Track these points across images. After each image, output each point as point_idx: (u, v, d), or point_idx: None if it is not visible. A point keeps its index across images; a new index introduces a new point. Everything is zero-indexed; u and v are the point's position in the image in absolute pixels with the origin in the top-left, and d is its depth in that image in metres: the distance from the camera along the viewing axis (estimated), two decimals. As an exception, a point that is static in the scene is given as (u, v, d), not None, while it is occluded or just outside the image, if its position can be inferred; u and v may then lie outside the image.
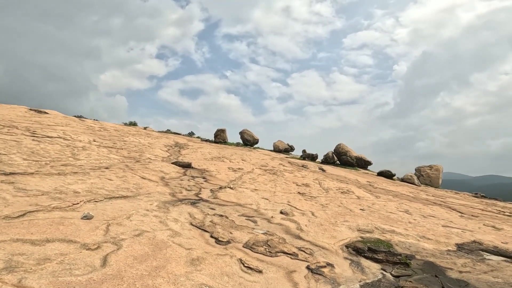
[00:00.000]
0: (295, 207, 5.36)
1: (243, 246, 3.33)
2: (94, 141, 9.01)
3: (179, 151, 11.02)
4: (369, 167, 17.98)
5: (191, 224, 3.65)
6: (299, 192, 6.60)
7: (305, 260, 3.27)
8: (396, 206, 6.74)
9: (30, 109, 11.24)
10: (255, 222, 4.31)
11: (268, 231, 3.99)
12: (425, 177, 14.15)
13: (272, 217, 4.66)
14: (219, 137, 19.22)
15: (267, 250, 3.39)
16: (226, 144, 18.98)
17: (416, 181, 12.55)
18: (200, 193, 5.40)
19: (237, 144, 19.97)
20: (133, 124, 23.07)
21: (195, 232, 3.44)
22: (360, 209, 5.91)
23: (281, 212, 4.96)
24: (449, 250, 4.38)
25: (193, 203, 4.65)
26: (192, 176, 6.75)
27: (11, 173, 3.84)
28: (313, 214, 5.12)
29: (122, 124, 21.25)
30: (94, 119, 17.54)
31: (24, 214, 2.55)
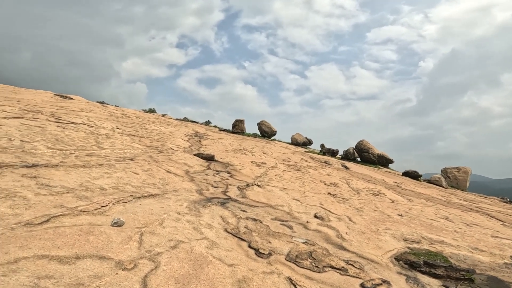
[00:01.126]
0: (329, 211, 4.90)
1: (286, 259, 2.93)
2: (117, 128, 8.77)
3: (199, 141, 10.70)
4: (390, 166, 17.25)
5: (226, 231, 3.27)
6: (329, 193, 6.13)
7: (357, 276, 2.85)
8: (433, 212, 6.17)
9: (56, 94, 11.11)
10: (291, 228, 3.90)
11: (308, 240, 3.57)
12: (452, 179, 13.35)
13: (307, 222, 4.23)
14: (237, 128, 18.83)
15: (313, 264, 2.98)
16: (244, 134, 18.59)
17: (444, 183, 11.81)
18: (227, 191, 5.02)
19: (255, 135, 19.55)
20: (152, 111, 22.98)
21: (232, 241, 3.05)
22: (398, 215, 5.40)
23: (315, 216, 4.53)
24: (506, 263, 3.90)
25: (223, 204, 4.28)
26: (216, 171, 6.38)
27: (34, 165, 3.54)
28: (350, 219, 4.66)
29: (141, 110, 21.17)
30: (115, 105, 17.47)
31: (48, 220, 2.21)
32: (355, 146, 16.21)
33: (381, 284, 2.76)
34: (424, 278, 3.15)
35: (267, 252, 2.97)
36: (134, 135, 8.57)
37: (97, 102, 16.28)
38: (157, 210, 3.16)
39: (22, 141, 4.63)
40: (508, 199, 12.22)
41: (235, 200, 4.58)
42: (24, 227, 2.02)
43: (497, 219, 6.77)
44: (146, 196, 3.61)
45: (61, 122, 6.75)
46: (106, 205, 2.82)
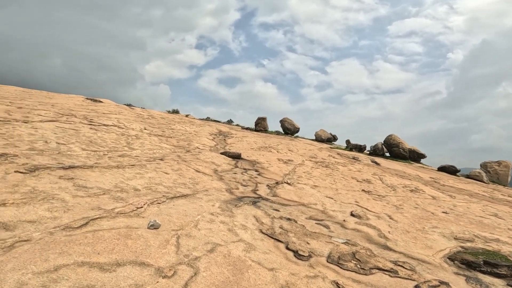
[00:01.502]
0: (366, 209, 4.61)
1: (328, 261, 2.73)
2: (145, 129, 8.92)
3: (224, 139, 10.66)
4: (422, 161, 16.34)
5: (261, 231, 3.12)
6: (363, 190, 5.81)
7: (409, 278, 2.60)
8: (480, 208, 5.66)
9: (87, 98, 11.53)
10: (327, 227, 3.68)
11: (349, 240, 3.34)
12: (492, 173, 12.37)
13: (344, 220, 3.99)
14: (260, 125, 18.68)
15: (358, 266, 2.76)
16: (267, 132, 18.41)
17: (484, 178, 10.94)
18: (257, 190, 4.87)
19: (278, 133, 19.31)
20: (176, 111, 23.43)
21: (268, 242, 2.89)
22: (443, 212, 4.98)
23: (352, 215, 4.27)
24: None
25: (254, 203, 4.13)
26: (244, 169, 6.26)
27: (70, 167, 3.58)
28: (390, 217, 4.35)
29: (166, 111, 21.63)
30: (141, 107, 17.96)
31: (87, 223, 2.17)
32: (384, 141, 15.49)
33: (438, 286, 2.49)
34: (486, 278, 2.84)
35: (307, 254, 2.79)
36: (161, 136, 8.67)
37: (124, 104, 16.81)
38: (190, 211, 3.07)
39: (58, 143, 4.75)
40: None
41: (266, 199, 4.43)
42: (63, 231, 1.99)
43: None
44: (179, 196, 3.54)
45: (93, 125, 6.93)
46: (142, 207, 2.76)
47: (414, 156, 15.47)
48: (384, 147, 15.28)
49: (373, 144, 15.70)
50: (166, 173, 4.54)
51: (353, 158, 10.63)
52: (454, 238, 3.83)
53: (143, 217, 2.56)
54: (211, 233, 2.67)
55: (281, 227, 3.36)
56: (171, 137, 8.71)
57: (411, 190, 6.43)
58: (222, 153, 7.42)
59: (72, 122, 6.55)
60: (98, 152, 4.82)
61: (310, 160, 8.68)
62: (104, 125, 7.59)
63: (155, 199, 3.15)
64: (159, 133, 9.08)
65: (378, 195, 5.56)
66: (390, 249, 3.26)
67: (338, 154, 11.06)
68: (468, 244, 3.68)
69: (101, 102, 12.40)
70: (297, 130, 19.88)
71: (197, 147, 7.94)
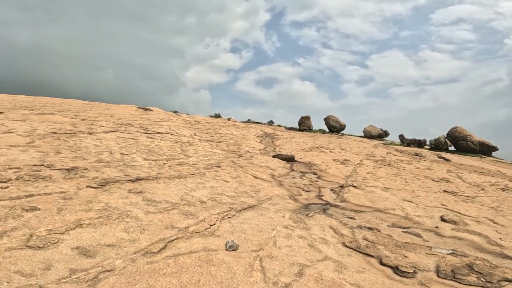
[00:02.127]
0: (458, 212, 3.92)
1: (440, 276, 2.27)
2: (195, 135, 9.00)
3: (272, 141, 10.37)
4: (493, 154, 14.33)
5: (345, 245, 2.71)
6: (445, 191, 5.03)
7: None
8: None
9: (139, 107, 12.11)
10: (419, 236, 3.13)
11: (455, 250, 2.78)
12: None
13: (436, 227, 3.39)
14: (304, 125, 18.08)
15: (482, 279, 2.25)
16: (311, 131, 17.74)
17: None
18: (322, 195, 4.45)
19: (322, 132, 18.52)
20: (218, 116, 23.88)
21: (357, 258, 2.48)
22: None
23: (443, 220, 3.64)
24: None
25: (324, 211, 3.72)
26: (301, 172, 5.86)
27: (137, 179, 3.54)
28: (493, 222, 3.63)
29: (209, 116, 22.13)
30: (186, 113, 18.58)
31: (165, 246, 1.99)
32: (447, 134, 13.87)
33: None
34: None
35: (411, 271, 2.32)
36: (211, 141, 8.66)
37: (171, 111, 17.48)
38: (263, 226, 2.78)
39: (122, 154, 4.85)
40: None
41: (335, 206, 3.98)
42: (144, 257, 1.81)
43: None
44: (246, 208, 3.28)
45: (149, 133, 7.11)
46: (214, 224, 2.54)
47: (484, 149, 13.62)
48: (447, 140, 13.69)
49: (434, 138, 14.16)
50: (226, 181, 4.34)
51: (416, 154, 9.58)
52: None
53: (218, 236, 2.32)
54: (293, 252, 2.33)
55: (365, 239, 2.91)
56: (220, 142, 8.66)
57: (502, 189, 5.45)
58: (274, 156, 7.11)
59: (131, 132, 6.77)
60: (158, 162, 4.81)
61: (369, 159, 7.96)
62: (158, 133, 7.77)
63: (224, 213, 2.92)
64: (208, 138, 9.09)
65: (466, 196, 4.75)
66: (511, 258, 2.64)
67: (397, 151, 10.08)
68: None
69: (151, 110, 12.96)
70: (343, 127, 18.88)
71: (247, 151, 7.74)
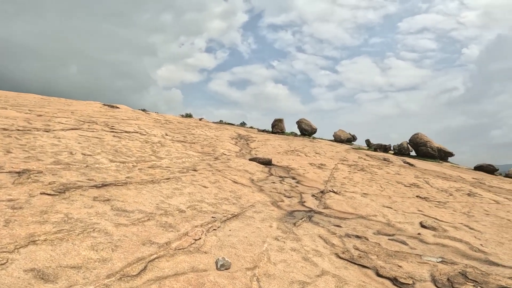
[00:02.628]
0: (435, 218, 3.98)
1: (438, 287, 2.19)
2: (166, 135, 8.47)
3: (247, 144, 10.14)
4: (449, 159, 15.46)
5: (338, 256, 2.55)
6: (418, 196, 5.16)
7: None
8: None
9: (104, 104, 11.19)
10: (405, 243, 3.09)
11: (443, 258, 2.76)
12: (532, 171, 11.42)
13: (419, 234, 3.39)
14: (277, 127, 18.10)
15: (478, 287, 2.19)
16: (284, 134, 17.83)
17: (528, 177, 10.08)
18: (304, 201, 4.29)
19: (295, 135, 18.71)
20: (189, 115, 23.09)
21: (354, 269, 2.33)
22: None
23: (423, 226, 3.66)
24: None
25: (310, 218, 3.56)
26: (280, 177, 5.69)
27: (103, 185, 3.08)
28: (469, 227, 3.72)
29: (180, 116, 21.29)
30: (156, 112, 17.62)
31: (145, 268, 1.64)
32: (409, 139, 14.69)
33: None
34: None
35: (410, 282, 2.21)
36: (184, 141, 8.20)
37: (140, 110, 16.50)
38: (252, 238, 2.52)
39: (84, 154, 4.29)
40: None
41: (320, 212, 3.85)
42: (120, 281, 1.46)
43: None
44: (230, 217, 2.99)
45: (115, 132, 6.49)
46: (200, 238, 2.23)
47: (442, 155, 14.62)
48: (409, 146, 14.49)
49: (398, 143, 14.91)
50: (204, 186, 4.00)
51: (384, 159, 9.93)
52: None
53: (205, 252, 2.01)
54: (289, 267, 2.10)
55: (356, 248, 2.78)
56: (194, 143, 8.23)
57: (468, 195, 5.74)
58: (251, 160, 6.87)
59: (95, 130, 6.11)
60: (127, 164, 4.33)
61: (343, 164, 8.04)
62: (126, 132, 7.15)
63: (209, 225, 2.60)
64: (181, 139, 8.61)
65: (438, 202, 4.90)
66: (498, 264, 2.68)
67: (367, 155, 10.38)
68: None
69: (118, 108, 12.07)
70: (314, 131, 19.22)
71: (223, 153, 7.42)
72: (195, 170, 4.73)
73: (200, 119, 21.41)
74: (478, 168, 11.17)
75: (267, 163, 6.72)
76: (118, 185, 3.16)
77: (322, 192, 4.87)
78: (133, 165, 4.37)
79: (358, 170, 7.23)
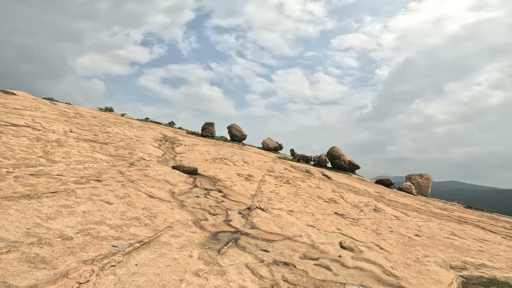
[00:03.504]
0: (352, 238, 4.07)
1: None
2: (71, 131, 6.98)
3: (172, 148, 9.24)
4: (356, 171, 17.41)
5: (265, 296, 2.19)
6: (336, 213, 5.32)
7: None
8: (438, 227, 5.75)
9: (-16, 85, 8.73)
10: (329, 268, 2.96)
11: (363, 285, 2.68)
12: (415, 185, 13.72)
13: (339, 256, 3.34)
14: (207, 131, 17.42)
15: None
16: (214, 138, 17.26)
17: (414, 191, 11.97)
18: (230, 220, 3.88)
19: (225, 140, 18.34)
20: (110, 109, 20.40)
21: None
22: (416, 235, 4.80)
23: (342, 247, 3.67)
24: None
25: (236, 241, 3.15)
26: (205, 189, 5.16)
27: None
28: (379, 247, 3.88)
29: (98, 109, 18.59)
30: (67, 103, 14.92)
31: None
32: (327, 152, 15.97)
33: None
34: None
35: None
36: (93, 141, 6.89)
37: (45, 98, 13.67)
38: (166, 276, 1.95)
39: None
40: (467, 205, 12.86)
41: (246, 234, 3.48)
42: None
43: (490, 230, 6.64)
44: (139, 246, 2.34)
45: (-8, 124, 4.92)
46: (87, 280, 1.55)
47: (351, 168, 16.34)
48: (327, 158, 15.74)
49: (317, 155, 16.05)
50: (108, 202, 3.19)
51: (306, 171, 10.39)
52: (450, 267, 3.57)
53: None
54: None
55: (285, 280, 2.49)
56: (107, 144, 6.99)
57: (374, 210, 6.27)
58: (174, 167, 6.14)
59: (-44, 120, 4.48)
60: (-3, 170, 3.17)
61: (270, 175, 7.99)
62: (14, 125, 5.54)
63: (105, 259, 1.92)
64: (90, 137, 7.23)
65: (353, 219, 5.14)
66: None
67: (291, 166, 10.69)
68: (465, 273, 3.47)
69: (13, 94, 9.62)
70: (244, 137, 19.22)
71: (141, 158, 6.47)
72: (98, 181, 3.81)
73: (122, 115, 19.12)
74: (379, 182, 12.79)
75: (192, 172, 6.09)
76: (-35, 206, 2.16)
77: (249, 208, 4.54)
78: (7, 171, 3.23)
79: (284, 183, 7.24)
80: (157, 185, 4.55)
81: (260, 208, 4.60)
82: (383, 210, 6.47)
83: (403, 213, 6.80)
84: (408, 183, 12.47)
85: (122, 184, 3.95)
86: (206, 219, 3.68)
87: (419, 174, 14.10)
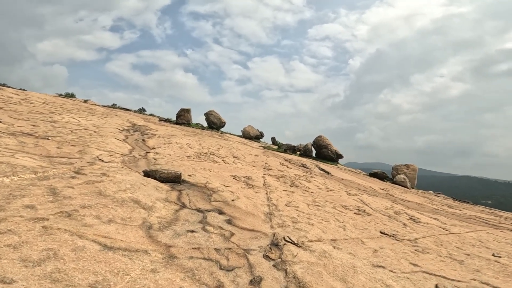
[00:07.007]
0: (443, 277, 2.45)
1: None
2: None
3: (143, 140, 7.02)
4: (339, 160, 16.35)
5: None
6: (382, 232, 3.71)
7: None
8: (493, 238, 4.43)
9: None
10: None
11: None
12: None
13: None
14: (183, 118, 15.08)
15: None
16: (191, 126, 14.99)
17: (408, 184, 11.01)
18: (260, 278, 2.05)
19: (202, 127, 16.14)
20: (71, 95, 17.11)
21: None
22: (494, 255, 3.36)
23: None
24: None
25: None
26: (199, 210, 3.22)
27: None
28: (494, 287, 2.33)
29: (56, 95, 15.32)
30: (21, 89, 11.92)
31: None
32: (313, 141, 14.56)
33: None
34: None
35: None
36: (28, 134, 4.55)
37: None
38: None
39: None
40: (451, 196, 12.29)
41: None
42: None
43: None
44: None
45: None
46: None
47: (337, 157, 15.19)
48: (313, 148, 14.35)
49: (301, 144, 14.58)
50: (7, 280, 1.17)
51: (303, 165, 8.77)
52: None
53: None
54: None
55: None
56: (47, 138, 4.67)
57: (412, 220, 4.80)
58: (147, 174, 4.06)
59: None
60: None
61: (270, 175, 6.21)
62: None
63: None
64: (25, 129, 4.86)
65: (409, 241, 3.57)
66: None
67: (286, 160, 9.00)
68: None
69: None
70: (223, 124, 17.16)
71: (97, 158, 4.31)
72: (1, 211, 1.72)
73: (85, 101, 16.04)
74: (373, 174, 11.68)
75: (174, 179, 4.08)
76: None
77: (275, 245, 2.73)
78: None
79: (291, 186, 5.52)
80: (119, 212, 2.53)
81: (293, 243, 2.81)
82: (418, 218, 5.04)
83: (436, 219, 5.46)
84: (402, 176, 11.51)
85: (43, 227, 1.89)
86: (221, 286, 1.80)
87: (405, 165, 13.27)
